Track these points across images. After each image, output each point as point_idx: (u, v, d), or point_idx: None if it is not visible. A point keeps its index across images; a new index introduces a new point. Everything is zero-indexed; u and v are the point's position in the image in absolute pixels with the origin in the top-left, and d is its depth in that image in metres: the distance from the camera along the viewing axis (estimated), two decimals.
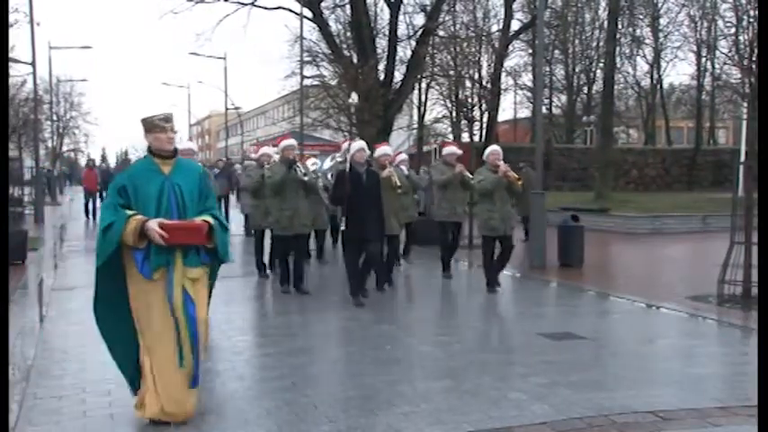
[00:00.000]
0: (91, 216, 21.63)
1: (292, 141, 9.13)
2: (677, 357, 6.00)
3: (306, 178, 8.39)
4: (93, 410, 4.56)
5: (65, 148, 53.06)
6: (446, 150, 10.11)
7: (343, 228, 8.06)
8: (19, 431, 4.24)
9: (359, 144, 8.24)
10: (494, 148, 8.97)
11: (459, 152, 9.96)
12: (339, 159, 11.25)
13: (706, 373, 5.48)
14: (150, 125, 4.24)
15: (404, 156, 11.07)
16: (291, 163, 8.37)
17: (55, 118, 41.71)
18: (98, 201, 21.65)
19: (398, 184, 8.73)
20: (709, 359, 5.92)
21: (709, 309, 7.71)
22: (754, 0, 26.67)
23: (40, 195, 21.97)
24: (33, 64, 21.17)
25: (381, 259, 8.45)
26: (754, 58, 26.23)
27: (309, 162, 10.56)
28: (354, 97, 21.80)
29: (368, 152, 8.29)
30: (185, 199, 4.21)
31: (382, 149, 9.08)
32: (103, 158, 40.92)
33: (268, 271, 9.91)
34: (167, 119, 4.28)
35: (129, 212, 4.05)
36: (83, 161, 53.71)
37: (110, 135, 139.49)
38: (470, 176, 9.46)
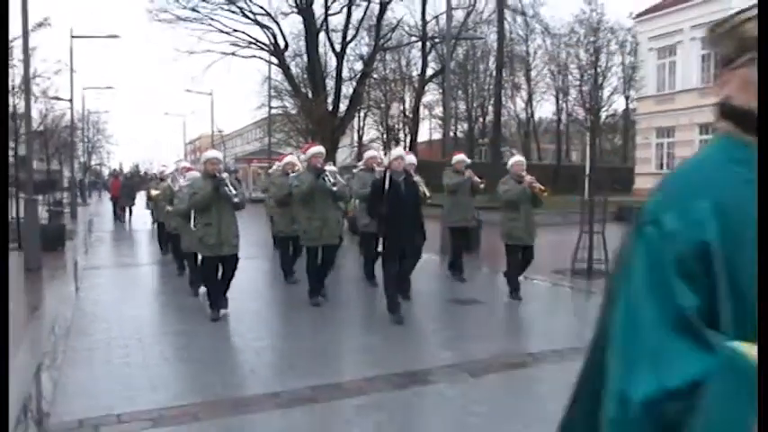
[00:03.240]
0: (119, 219, 19.08)
1: (320, 149, 6.51)
2: (543, 314, 6.17)
3: (335, 188, 6.12)
4: (115, 359, 4.53)
5: (93, 163, 52.17)
6: (456, 158, 7.86)
7: (380, 244, 5.56)
8: (63, 373, 4.19)
9: (397, 151, 5.82)
10: (518, 158, 6.93)
11: (468, 161, 7.96)
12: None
13: (562, 324, 5.68)
14: None
15: (413, 158, 7.03)
16: (320, 171, 6.14)
17: (86, 140, 41.53)
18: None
19: (428, 194, 6.82)
20: (565, 314, 6.14)
21: (565, 279, 7.93)
22: (590, 65, 28.34)
23: (74, 198, 22.21)
24: (71, 101, 22.23)
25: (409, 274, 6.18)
26: (593, 103, 28.01)
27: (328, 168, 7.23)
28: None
29: (406, 160, 5.91)
30: None
31: (405, 155, 7.45)
32: (121, 171, 39.52)
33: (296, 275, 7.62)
34: None
35: (735, 347, 0.69)
36: (106, 171, 52.64)
37: (125, 152, 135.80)
38: (479, 181, 7.70)
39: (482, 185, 7.66)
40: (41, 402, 3.72)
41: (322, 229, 6.08)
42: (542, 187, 6.64)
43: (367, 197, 6.47)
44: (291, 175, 6.97)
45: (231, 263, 5.88)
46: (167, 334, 5.29)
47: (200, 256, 6.09)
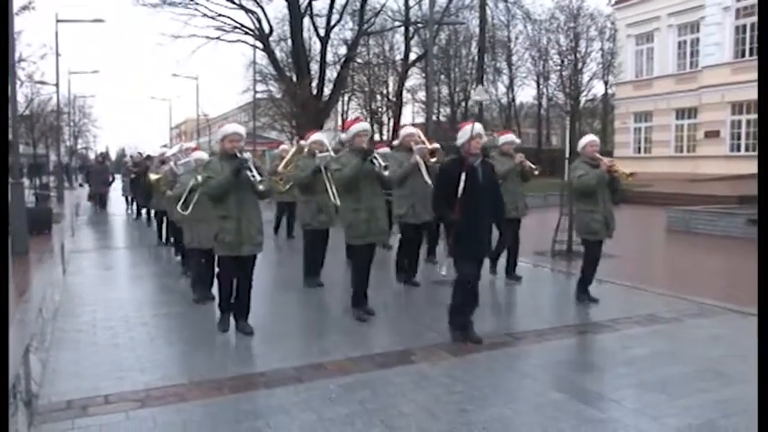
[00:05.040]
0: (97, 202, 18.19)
1: (366, 125, 5.04)
2: (524, 295, 6.19)
3: (386, 172, 4.82)
4: (102, 341, 4.52)
5: (79, 147, 51.48)
6: (503, 139, 6.61)
7: (452, 241, 4.29)
8: (51, 354, 4.16)
9: (477, 127, 4.35)
10: (591, 137, 5.58)
11: (518, 141, 6.78)
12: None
13: (542, 304, 5.75)
14: None
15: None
16: (367, 153, 4.81)
17: (72, 124, 40.74)
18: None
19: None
20: (545, 294, 6.18)
21: (546, 260, 7.98)
22: (570, 50, 28.51)
23: (61, 182, 21.83)
24: (57, 85, 21.95)
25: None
26: (573, 88, 28.28)
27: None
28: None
29: (485, 137, 4.53)
30: None
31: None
32: (107, 154, 38.14)
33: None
34: None
35: None
36: (92, 155, 52.32)
37: (111, 136, 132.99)
38: (532, 166, 6.57)
39: (536, 172, 6.55)
40: (30, 384, 3.69)
41: (369, 223, 4.86)
42: (626, 171, 5.43)
43: (403, 180, 5.74)
44: (320, 155, 5.82)
45: (248, 267, 4.57)
46: (155, 316, 5.24)
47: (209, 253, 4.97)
